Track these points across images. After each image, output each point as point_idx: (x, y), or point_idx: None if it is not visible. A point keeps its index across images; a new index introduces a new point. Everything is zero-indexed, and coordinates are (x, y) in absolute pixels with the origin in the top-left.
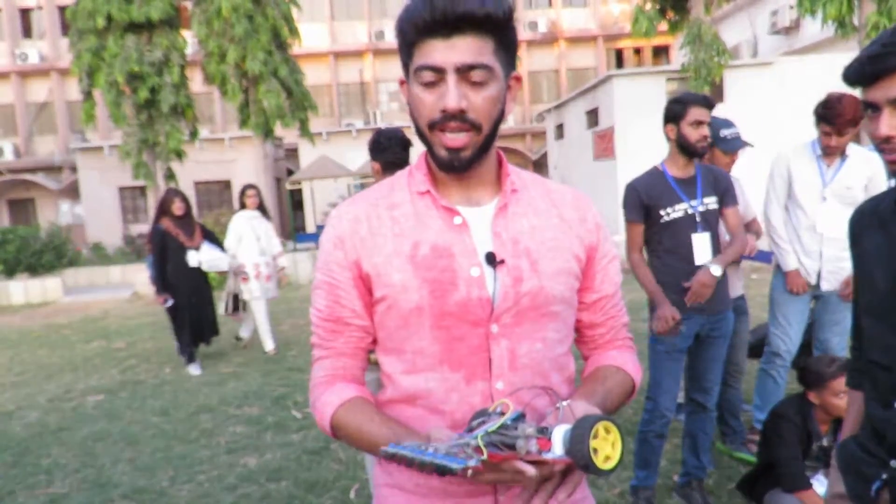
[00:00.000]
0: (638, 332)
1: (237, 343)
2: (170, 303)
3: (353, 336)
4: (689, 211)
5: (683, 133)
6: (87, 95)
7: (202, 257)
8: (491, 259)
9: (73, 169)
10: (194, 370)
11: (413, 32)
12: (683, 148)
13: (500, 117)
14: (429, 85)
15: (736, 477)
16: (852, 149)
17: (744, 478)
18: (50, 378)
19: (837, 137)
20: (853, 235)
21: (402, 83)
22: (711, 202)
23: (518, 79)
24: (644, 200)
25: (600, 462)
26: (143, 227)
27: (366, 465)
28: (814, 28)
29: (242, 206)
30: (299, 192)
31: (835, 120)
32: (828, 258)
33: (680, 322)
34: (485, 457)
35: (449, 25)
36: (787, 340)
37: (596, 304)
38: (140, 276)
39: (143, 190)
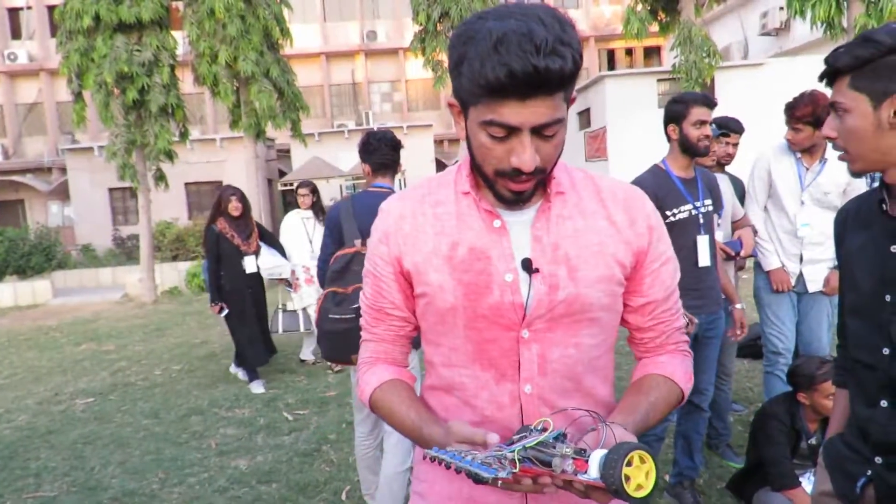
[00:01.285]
0: None
1: (302, 363)
2: (225, 311)
3: (393, 325)
4: (694, 212)
5: (686, 133)
6: (78, 96)
7: (261, 263)
8: (527, 266)
9: (63, 170)
10: (257, 388)
11: (484, 93)
12: (686, 148)
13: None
14: (499, 138)
15: (726, 476)
16: (832, 153)
17: (733, 477)
18: (39, 381)
19: (791, 132)
20: (838, 235)
21: (451, 106)
22: (709, 204)
23: (573, 100)
24: (652, 198)
25: (632, 489)
26: (133, 229)
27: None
28: (803, 30)
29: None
30: (291, 193)
31: (788, 111)
32: (808, 260)
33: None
34: (517, 470)
35: (527, 90)
36: (784, 338)
37: (643, 309)
38: (130, 277)
39: (133, 191)
